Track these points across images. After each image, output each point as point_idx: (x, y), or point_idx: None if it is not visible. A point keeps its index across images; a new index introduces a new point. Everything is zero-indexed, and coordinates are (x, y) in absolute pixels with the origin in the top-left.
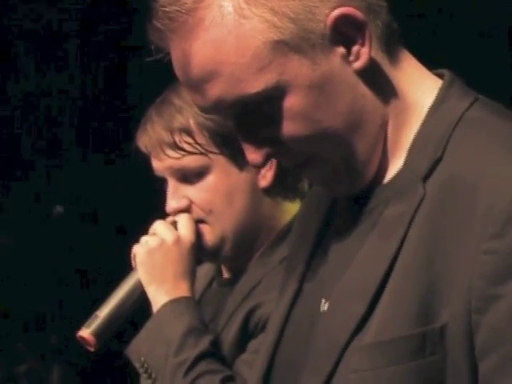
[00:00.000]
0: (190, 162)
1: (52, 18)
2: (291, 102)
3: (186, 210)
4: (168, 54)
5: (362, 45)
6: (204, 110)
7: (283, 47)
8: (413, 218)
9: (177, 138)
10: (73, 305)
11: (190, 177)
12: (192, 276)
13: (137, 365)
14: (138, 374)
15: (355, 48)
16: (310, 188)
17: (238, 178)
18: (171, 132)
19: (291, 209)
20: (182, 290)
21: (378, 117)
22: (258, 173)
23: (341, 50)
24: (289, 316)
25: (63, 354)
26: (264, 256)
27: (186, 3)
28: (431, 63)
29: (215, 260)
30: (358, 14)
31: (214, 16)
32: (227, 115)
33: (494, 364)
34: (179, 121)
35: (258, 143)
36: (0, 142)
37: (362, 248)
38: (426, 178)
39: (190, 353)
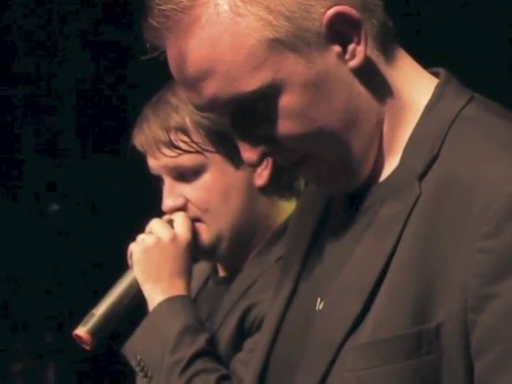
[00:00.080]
0: (186, 160)
1: (52, 17)
2: (286, 101)
3: (182, 208)
4: (164, 52)
5: (358, 43)
6: (200, 108)
7: (278, 45)
8: (408, 216)
9: (173, 137)
10: (68, 303)
11: (186, 175)
12: (188, 274)
13: (133, 363)
14: (134, 373)
15: (351, 46)
16: (306, 187)
17: (234, 177)
18: (167, 130)
19: (287, 208)
20: (178, 288)
21: (373, 115)
22: (254, 171)
23: (336, 48)
24: (284, 315)
25: (59, 353)
26: (260, 255)
27: (182, 1)
28: (429, 62)
29: (211, 258)
30: (354, 12)
31: (209, 14)
32: (223, 113)
33: (489, 363)
34: (175, 119)
35: (253, 141)
36: None
37: (357, 247)
38: (421, 176)
39: (186, 351)
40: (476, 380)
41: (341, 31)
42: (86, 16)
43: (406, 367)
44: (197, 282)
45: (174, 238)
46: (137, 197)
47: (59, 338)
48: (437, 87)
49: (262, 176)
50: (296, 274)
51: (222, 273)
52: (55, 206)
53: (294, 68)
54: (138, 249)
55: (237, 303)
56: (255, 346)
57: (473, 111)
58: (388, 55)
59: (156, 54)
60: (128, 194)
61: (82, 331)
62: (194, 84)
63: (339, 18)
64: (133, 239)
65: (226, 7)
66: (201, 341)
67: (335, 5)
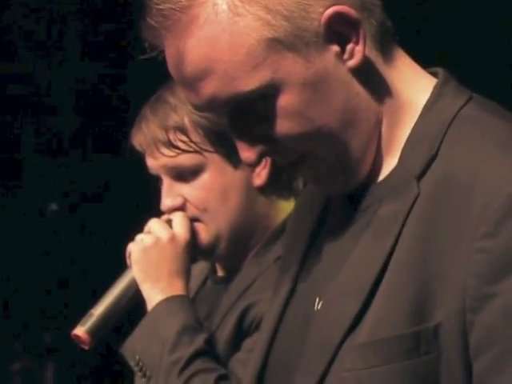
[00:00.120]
0: (185, 160)
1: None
2: (285, 100)
3: (181, 208)
4: (162, 51)
5: (356, 43)
6: (198, 107)
7: (277, 45)
8: (407, 216)
9: (171, 137)
10: (67, 303)
11: (184, 175)
12: (187, 274)
13: (131, 363)
14: (132, 373)
15: (349, 46)
16: (305, 187)
17: (233, 177)
18: (166, 130)
19: (286, 207)
20: (177, 288)
21: (372, 115)
22: (252, 171)
23: (335, 48)
24: (283, 315)
25: (57, 353)
26: (258, 255)
27: (180, 1)
28: (427, 62)
29: (210, 258)
30: (352, 12)
31: (208, 14)
32: (221, 113)
33: (488, 363)
34: (174, 119)
35: (251, 141)
36: None
37: (356, 247)
38: (420, 176)
39: (185, 351)
40: (475, 380)
41: (339, 31)
42: (86, 16)
43: (405, 367)
44: (195, 281)
45: (173, 238)
46: (135, 197)
47: (58, 338)
48: (435, 87)
49: (261, 176)
50: (294, 274)
51: (220, 273)
52: (54, 206)
53: (292, 68)
54: (136, 248)
55: (235, 303)
56: (254, 345)
57: (471, 111)
58: (386, 55)
59: (154, 54)
60: (127, 194)
61: (80, 331)
62: (192, 84)
63: (338, 17)
64: (131, 239)
65: (224, 7)
66: (199, 341)
67: (334, 4)
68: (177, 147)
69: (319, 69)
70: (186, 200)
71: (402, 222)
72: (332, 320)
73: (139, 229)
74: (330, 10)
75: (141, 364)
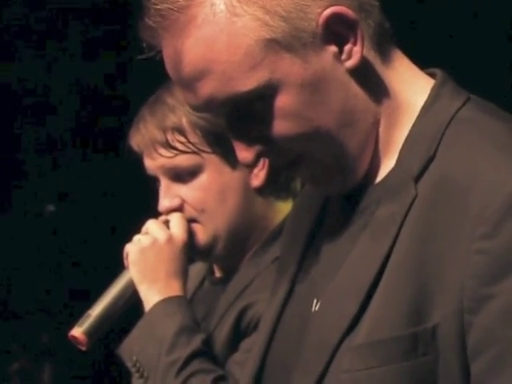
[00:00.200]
0: (183, 161)
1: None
2: (283, 101)
3: (179, 209)
4: (160, 52)
5: (354, 44)
6: (196, 108)
7: (275, 45)
8: (405, 218)
9: (169, 137)
10: (65, 304)
11: (182, 176)
12: (184, 275)
13: (129, 364)
14: (130, 374)
15: (347, 47)
16: (303, 188)
17: (231, 177)
18: (164, 131)
19: (284, 208)
20: (174, 289)
21: (369, 116)
22: (250, 172)
23: (333, 48)
24: (280, 316)
25: (55, 353)
26: (256, 255)
27: (178, 1)
28: (425, 63)
29: (207, 259)
30: (350, 12)
31: (205, 14)
32: (219, 114)
33: (485, 364)
34: (172, 120)
35: (249, 142)
36: None
37: (353, 248)
38: (417, 177)
39: (182, 352)
40: (472, 381)
41: (337, 31)
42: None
43: (403, 368)
44: (193, 282)
45: (170, 239)
46: (133, 197)
47: (56, 339)
48: (433, 88)
49: (259, 177)
50: (292, 275)
51: (218, 273)
52: (51, 207)
53: (290, 68)
54: (134, 249)
55: (233, 304)
56: (251, 346)
57: (469, 112)
58: (384, 56)
59: (152, 54)
60: (124, 195)
61: (77, 332)
62: (190, 84)
63: (335, 18)
64: (129, 240)
65: (222, 7)
66: (197, 341)
67: (331, 5)
68: (175, 148)
69: (317, 69)
70: (183, 201)
71: (400, 224)
72: (330, 321)
73: (137, 229)
74: (328, 11)
75: (138, 365)
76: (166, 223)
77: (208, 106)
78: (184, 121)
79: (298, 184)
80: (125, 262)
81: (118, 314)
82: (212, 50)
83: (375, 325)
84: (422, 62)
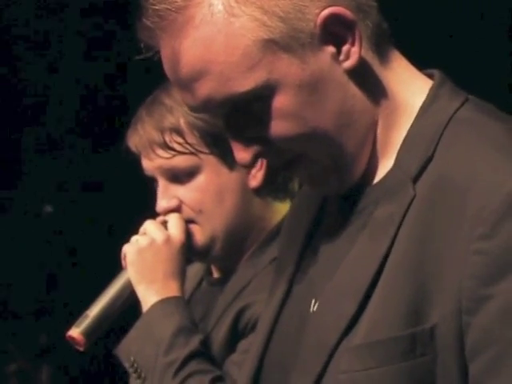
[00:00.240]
0: (181, 161)
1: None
2: (281, 101)
3: (176, 209)
4: (158, 52)
5: (352, 44)
6: (193, 108)
7: (272, 46)
8: (403, 218)
9: (167, 138)
10: (62, 304)
11: (180, 177)
12: (182, 276)
13: (126, 364)
14: (127, 374)
15: (345, 47)
16: (301, 188)
17: (229, 178)
18: (161, 132)
19: (281, 209)
20: (172, 289)
21: (367, 116)
22: (248, 173)
23: (331, 49)
24: (278, 317)
25: (52, 354)
26: (254, 256)
27: (176, 1)
28: (423, 64)
29: (205, 260)
30: (348, 13)
31: (203, 14)
32: (217, 114)
33: (484, 365)
34: (170, 120)
35: (246, 142)
36: None
37: (352, 248)
38: (416, 178)
39: (180, 352)
40: (471, 382)
41: (335, 32)
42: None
43: (401, 369)
44: (191, 283)
45: (168, 240)
46: (131, 198)
47: (53, 339)
48: (431, 89)
49: (257, 177)
50: (290, 275)
51: (215, 274)
52: (49, 208)
53: (288, 69)
54: (131, 250)
55: (231, 304)
56: (249, 347)
57: (467, 113)
58: (382, 57)
59: (150, 54)
60: (122, 195)
61: (75, 332)
62: (187, 84)
63: (333, 18)
64: (127, 240)
65: (220, 7)
66: (195, 342)
67: (329, 6)
68: (172, 149)
69: (315, 70)
70: (181, 201)
71: (398, 224)
72: (328, 321)
73: (134, 230)
74: (326, 12)
75: (136, 365)
76: (164, 224)
77: (206, 106)
78: (182, 121)
79: (295, 185)
80: (123, 262)
81: (116, 315)
82: (210, 51)
83: (373, 325)
84: (420, 62)
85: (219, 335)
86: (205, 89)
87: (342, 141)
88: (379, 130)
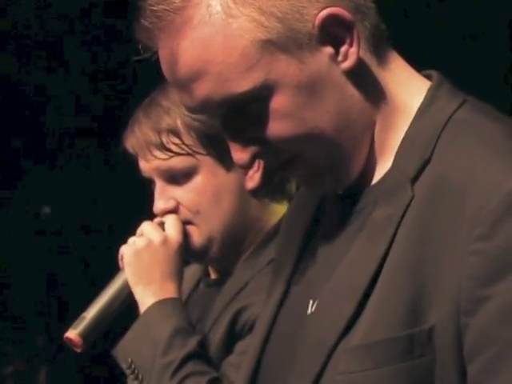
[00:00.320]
0: (178, 162)
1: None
2: (279, 102)
3: (174, 210)
4: (156, 53)
5: (350, 45)
6: (191, 109)
7: (270, 47)
8: (401, 219)
9: (164, 139)
10: (60, 306)
11: (177, 178)
12: (179, 277)
13: (124, 365)
14: (125, 375)
15: (343, 48)
16: (298, 190)
17: (226, 179)
18: (158, 133)
19: (279, 210)
20: (169, 290)
21: (365, 117)
22: (245, 174)
23: (329, 50)
24: (276, 318)
25: (50, 356)
26: (251, 257)
27: (175, 2)
28: (421, 65)
29: (202, 261)
30: (346, 14)
31: (201, 15)
32: (215, 115)
33: (482, 365)
34: (167, 122)
35: (244, 143)
36: None
37: (350, 249)
38: (414, 179)
39: (178, 353)
40: (469, 383)
41: (333, 33)
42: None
43: (399, 370)
44: (188, 284)
45: (165, 241)
46: (128, 199)
47: (50, 341)
48: (429, 90)
49: (254, 179)
50: (288, 276)
51: (213, 275)
52: (47, 209)
53: (286, 69)
54: (129, 251)
55: (228, 306)
56: (246, 348)
57: (465, 114)
58: (381, 58)
59: (148, 55)
60: (119, 197)
61: (72, 334)
62: (185, 85)
63: (332, 19)
64: (124, 241)
65: (218, 8)
66: (192, 343)
67: (328, 6)
68: (169, 150)
69: (313, 70)
70: (178, 203)
71: (397, 225)
72: (326, 322)
73: (132, 231)
74: (324, 12)
75: (133, 366)
76: (161, 225)
77: (204, 107)
78: (179, 123)
79: (292, 186)
80: (120, 263)
81: (113, 316)
82: (208, 51)
83: (371, 326)
84: (418, 63)
85: (216, 336)
86: (203, 89)
87: (340, 141)
88: (377, 131)
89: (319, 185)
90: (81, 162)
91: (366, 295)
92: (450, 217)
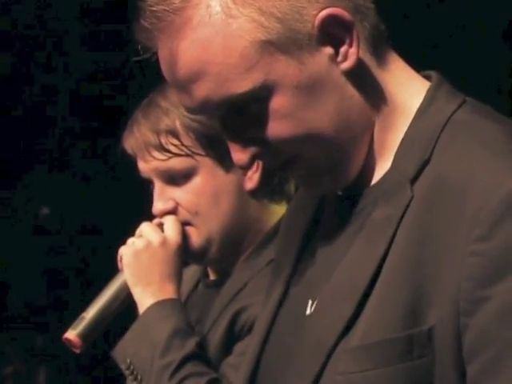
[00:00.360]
0: (176, 163)
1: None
2: (278, 102)
3: (173, 211)
4: (155, 53)
5: (350, 45)
6: (191, 110)
7: (270, 47)
8: (401, 219)
9: (163, 140)
10: (59, 306)
11: (176, 179)
12: (178, 278)
13: (123, 366)
14: (124, 376)
15: (343, 49)
16: (297, 190)
17: (225, 180)
18: (157, 134)
19: (278, 211)
20: (168, 291)
21: (364, 118)
22: (244, 175)
23: (328, 50)
24: (275, 318)
25: (49, 356)
26: (250, 258)
27: (174, 3)
28: (421, 66)
29: (201, 262)
30: (346, 14)
31: (201, 15)
32: (214, 115)
33: (482, 366)
34: (165, 123)
35: (244, 143)
36: None
37: (349, 250)
38: (413, 180)
39: (176, 355)
40: (468, 383)
41: (333, 33)
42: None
43: (398, 371)
44: (187, 285)
45: (164, 242)
46: (127, 200)
47: (50, 342)
48: (429, 91)
49: (253, 179)
50: (287, 277)
51: (212, 276)
52: (45, 210)
53: (285, 70)
54: (128, 252)
55: (227, 307)
56: (245, 349)
57: (464, 115)
58: (380, 58)
59: (148, 56)
60: (118, 197)
61: (71, 335)
62: (185, 86)
63: (331, 20)
64: (123, 242)
65: (218, 9)
66: (191, 344)
67: (327, 7)
68: (168, 151)
69: (312, 71)
70: (177, 204)
71: (396, 226)
72: (325, 323)
73: (131, 232)
74: (324, 13)
75: (132, 367)
76: (160, 226)
77: (203, 107)
78: (178, 123)
79: (292, 187)
80: (119, 264)
81: (112, 317)
82: (207, 52)
83: (370, 327)
84: (418, 64)
85: (215, 337)
86: (202, 90)
87: (339, 142)
88: (376, 132)
89: (318, 185)
90: (80, 162)
91: (366, 296)
92: (449, 217)
